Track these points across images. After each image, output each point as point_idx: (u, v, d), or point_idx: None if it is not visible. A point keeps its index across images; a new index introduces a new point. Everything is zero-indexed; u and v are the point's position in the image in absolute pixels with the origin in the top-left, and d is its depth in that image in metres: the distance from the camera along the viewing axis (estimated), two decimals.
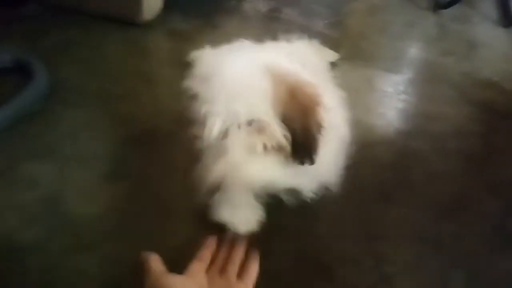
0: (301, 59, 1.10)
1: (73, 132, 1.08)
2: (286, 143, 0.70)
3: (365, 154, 1.11)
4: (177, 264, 0.70)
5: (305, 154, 0.71)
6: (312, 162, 0.71)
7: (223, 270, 0.72)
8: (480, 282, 0.82)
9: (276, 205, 0.86)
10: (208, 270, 0.71)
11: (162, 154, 1.03)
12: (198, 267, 0.69)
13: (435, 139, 1.18)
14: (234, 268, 0.72)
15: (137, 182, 0.96)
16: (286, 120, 0.69)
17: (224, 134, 0.69)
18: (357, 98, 1.34)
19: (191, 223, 0.88)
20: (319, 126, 0.70)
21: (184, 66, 1.32)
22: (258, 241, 0.78)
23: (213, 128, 0.69)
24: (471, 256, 0.87)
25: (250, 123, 0.68)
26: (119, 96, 1.19)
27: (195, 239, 0.76)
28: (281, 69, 0.72)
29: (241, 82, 0.70)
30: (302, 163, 0.72)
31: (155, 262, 0.66)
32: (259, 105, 0.68)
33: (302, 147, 0.70)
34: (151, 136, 1.07)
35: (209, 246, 0.75)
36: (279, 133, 0.69)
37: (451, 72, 1.50)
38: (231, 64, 0.74)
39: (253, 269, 0.72)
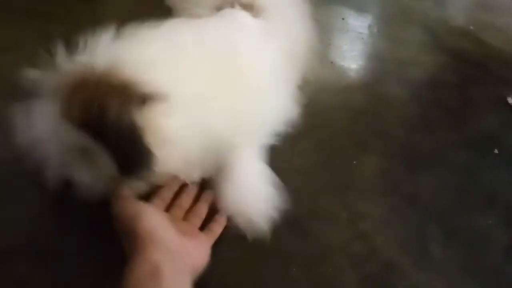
0: None
1: None
2: None
3: (338, 98, 1.02)
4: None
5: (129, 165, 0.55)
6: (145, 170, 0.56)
7: (185, 218, 0.66)
8: (458, 238, 0.77)
9: None
10: (171, 210, 0.66)
11: None
12: (158, 203, 0.65)
13: (411, 86, 1.10)
14: (196, 219, 0.66)
15: None
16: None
17: None
18: (331, 39, 1.22)
19: None
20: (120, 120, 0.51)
21: None
22: None
23: None
24: (448, 211, 0.81)
25: None
26: (51, 15, 0.98)
27: None
28: None
29: None
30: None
31: (127, 189, 0.60)
32: None
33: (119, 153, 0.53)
34: None
35: (172, 187, 0.68)
36: None
37: (425, 17, 1.41)
38: None
39: (219, 225, 0.65)
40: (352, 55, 1.17)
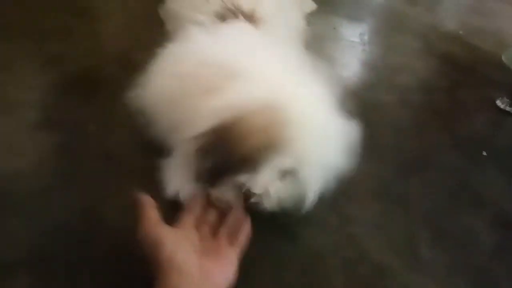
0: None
1: None
2: None
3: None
4: (122, 225, 0.60)
5: None
6: None
7: (215, 232, 0.66)
8: (447, 240, 0.79)
9: None
10: (199, 227, 0.66)
11: (102, 100, 0.89)
12: (188, 220, 0.65)
13: (401, 92, 1.12)
14: (226, 231, 0.65)
15: (72, 133, 0.82)
16: None
17: None
18: (322, 48, 1.25)
19: (137, 184, 0.76)
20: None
21: None
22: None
23: None
24: (437, 213, 0.83)
25: None
26: (50, 32, 1.01)
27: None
28: None
29: None
30: None
31: (151, 209, 0.60)
32: None
33: None
34: (88, 79, 0.92)
35: (199, 198, 0.69)
36: None
37: (416, 23, 1.44)
38: None
39: (245, 235, 0.65)
40: (343, 63, 1.20)
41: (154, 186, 0.70)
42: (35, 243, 0.68)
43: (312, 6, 1.32)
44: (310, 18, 1.28)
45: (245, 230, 0.66)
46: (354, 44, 1.29)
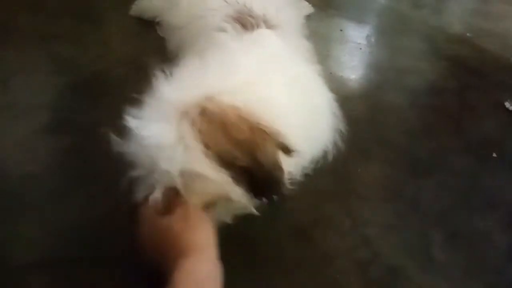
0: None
1: (4, 78, 0.91)
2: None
3: (340, 108, 1.04)
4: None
5: (263, 193, 0.59)
6: (271, 199, 0.61)
7: None
8: (459, 241, 0.79)
9: None
10: None
11: (112, 102, 0.88)
12: None
13: (410, 94, 1.12)
14: None
15: (83, 135, 0.82)
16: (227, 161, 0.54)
17: None
18: (330, 50, 1.26)
19: None
20: (274, 163, 0.56)
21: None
22: None
23: None
24: (449, 215, 0.83)
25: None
26: (59, 37, 1.02)
27: None
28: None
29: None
30: (261, 199, 0.60)
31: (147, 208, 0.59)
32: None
33: (258, 185, 0.57)
34: (98, 82, 0.93)
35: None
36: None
37: (423, 25, 1.44)
38: None
39: None
40: (350, 66, 1.20)
41: None
42: (48, 244, 0.69)
43: (309, 9, 1.32)
44: (318, 21, 1.29)
45: None
46: (361, 46, 1.29)
